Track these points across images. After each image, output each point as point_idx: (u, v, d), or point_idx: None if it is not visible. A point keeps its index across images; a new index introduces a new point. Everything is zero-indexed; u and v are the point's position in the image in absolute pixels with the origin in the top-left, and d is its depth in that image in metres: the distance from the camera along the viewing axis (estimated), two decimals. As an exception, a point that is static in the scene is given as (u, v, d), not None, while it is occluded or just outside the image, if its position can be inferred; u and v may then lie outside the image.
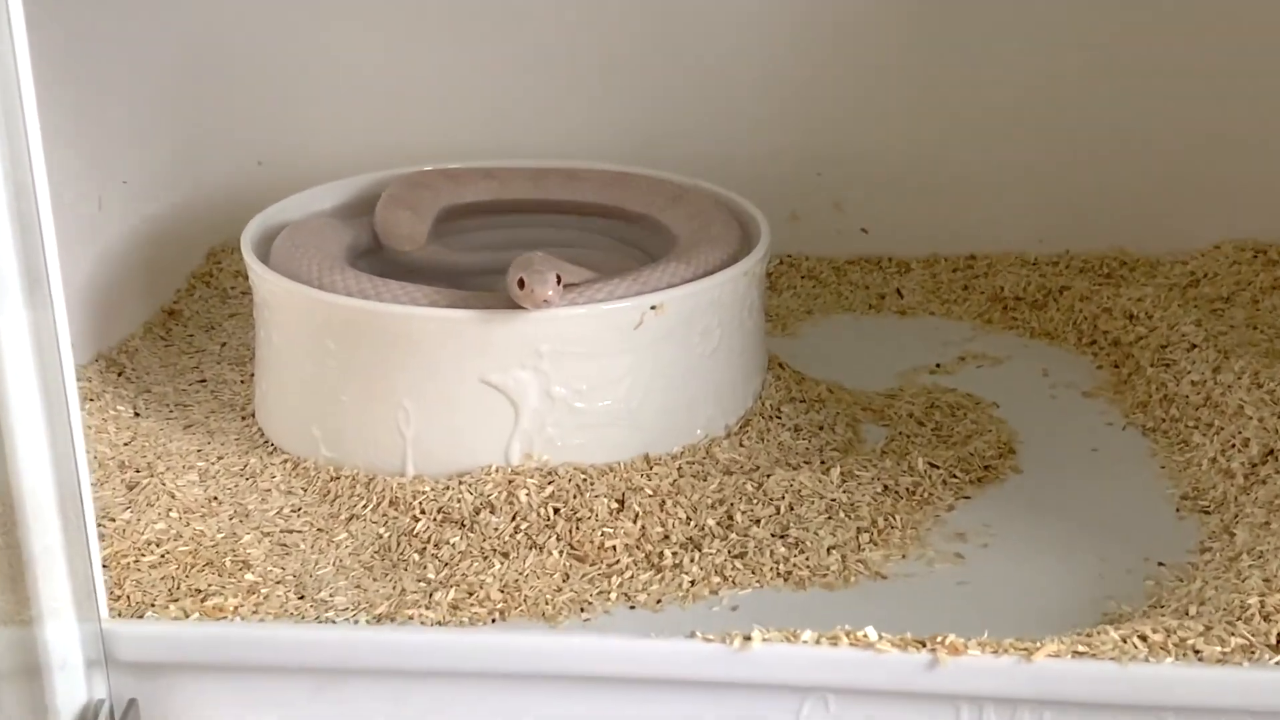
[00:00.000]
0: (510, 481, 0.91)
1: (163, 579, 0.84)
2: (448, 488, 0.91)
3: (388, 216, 1.08)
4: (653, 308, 0.93)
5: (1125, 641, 0.72)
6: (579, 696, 0.74)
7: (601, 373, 0.93)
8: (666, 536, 0.89)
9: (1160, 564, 0.87)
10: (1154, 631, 0.74)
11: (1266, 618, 0.74)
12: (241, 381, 1.08)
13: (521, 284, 0.89)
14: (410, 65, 1.30)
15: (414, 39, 1.29)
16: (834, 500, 0.92)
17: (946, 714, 0.71)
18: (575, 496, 0.90)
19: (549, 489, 0.91)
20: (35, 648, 0.70)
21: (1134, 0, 1.24)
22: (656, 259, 1.01)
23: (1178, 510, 0.93)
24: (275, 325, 0.98)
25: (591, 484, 0.92)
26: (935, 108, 1.29)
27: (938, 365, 1.13)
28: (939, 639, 0.70)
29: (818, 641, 0.70)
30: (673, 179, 1.13)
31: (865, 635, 0.71)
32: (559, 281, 0.89)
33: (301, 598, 0.83)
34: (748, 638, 0.71)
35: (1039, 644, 0.71)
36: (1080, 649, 0.70)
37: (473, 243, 1.11)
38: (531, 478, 0.91)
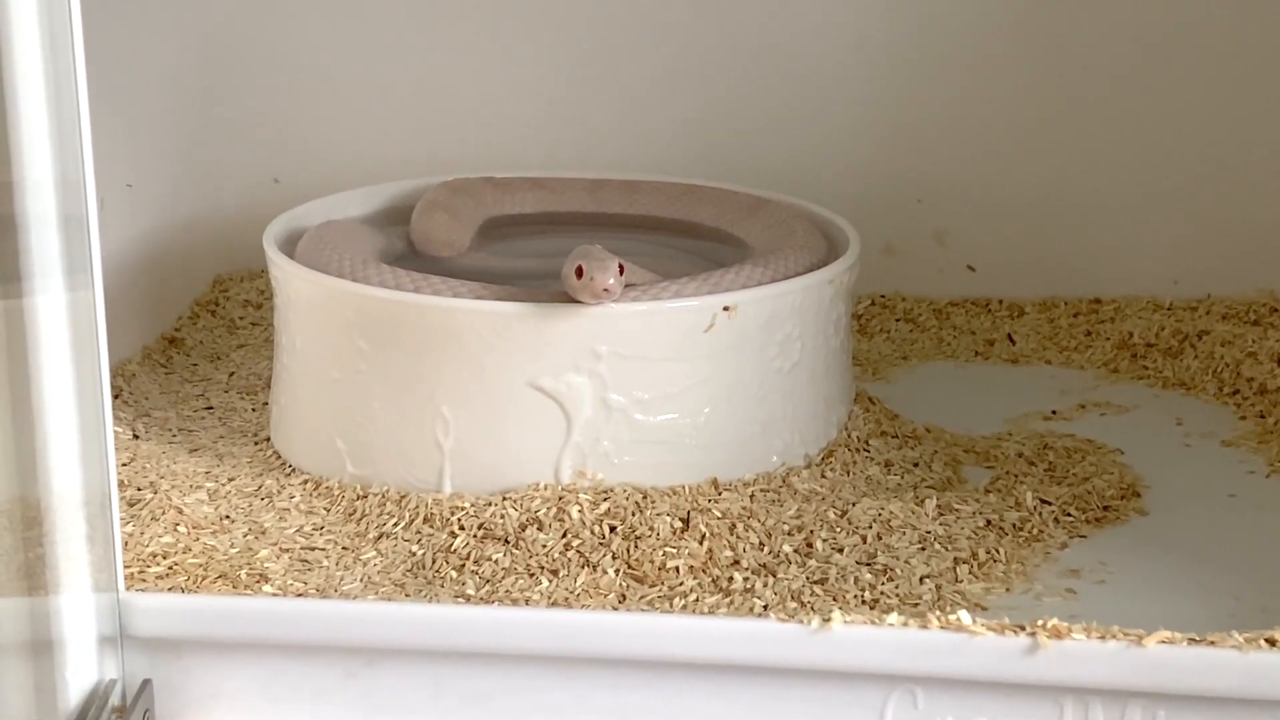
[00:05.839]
0: (560, 498, 1.01)
1: (170, 591, 0.94)
2: (490, 504, 1.01)
3: (424, 220, 1.19)
4: (725, 309, 1.03)
5: (1250, 643, 0.81)
6: (635, 682, 0.83)
7: (665, 381, 1.03)
8: (736, 561, 0.98)
9: (1304, 603, 0.95)
10: (1285, 638, 0.82)
11: None
12: (253, 410, 1.19)
13: (580, 273, 0.99)
14: (448, 71, 1.42)
15: (453, 41, 1.41)
16: (929, 532, 1.00)
17: (1048, 709, 0.81)
18: (634, 514, 1.00)
19: (604, 505, 1.01)
20: (45, 620, 0.80)
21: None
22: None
23: (1330, 555, 1.02)
24: (299, 328, 1.08)
25: (653, 503, 1.01)
26: (1056, 127, 1.39)
27: (1054, 412, 1.22)
28: (1040, 622, 0.80)
29: (905, 624, 0.80)
30: (749, 191, 1.24)
31: (958, 619, 0.81)
32: (622, 272, 0.99)
33: (327, 609, 0.93)
34: (827, 618, 0.81)
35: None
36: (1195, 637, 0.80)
37: (521, 250, 1.21)
38: (585, 494, 1.01)
